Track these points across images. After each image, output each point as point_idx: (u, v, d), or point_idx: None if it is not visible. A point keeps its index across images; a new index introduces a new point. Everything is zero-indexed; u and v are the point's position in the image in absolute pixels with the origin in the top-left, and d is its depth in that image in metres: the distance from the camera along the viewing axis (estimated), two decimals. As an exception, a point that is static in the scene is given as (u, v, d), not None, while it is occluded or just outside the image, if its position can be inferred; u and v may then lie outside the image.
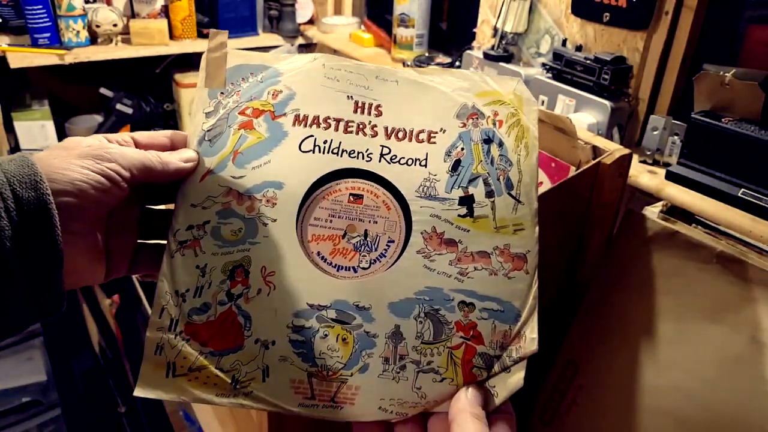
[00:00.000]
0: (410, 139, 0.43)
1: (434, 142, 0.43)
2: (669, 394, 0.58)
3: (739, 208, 0.66)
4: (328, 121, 0.43)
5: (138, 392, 0.38)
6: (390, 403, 0.39)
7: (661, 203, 0.68)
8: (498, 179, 0.42)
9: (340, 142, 0.42)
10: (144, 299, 1.40)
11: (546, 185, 0.66)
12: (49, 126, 1.45)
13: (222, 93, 0.44)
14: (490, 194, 0.42)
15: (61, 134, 1.52)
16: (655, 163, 0.82)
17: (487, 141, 0.43)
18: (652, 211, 0.64)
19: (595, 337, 0.65)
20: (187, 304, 0.39)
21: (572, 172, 0.63)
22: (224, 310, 0.39)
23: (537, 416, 0.69)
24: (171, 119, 1.68)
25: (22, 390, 1.58)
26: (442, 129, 0.43)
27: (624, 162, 0.61)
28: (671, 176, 0.74)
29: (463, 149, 0.43)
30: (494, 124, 0.44)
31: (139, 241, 0.43)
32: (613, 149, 0.61)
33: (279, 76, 0.44)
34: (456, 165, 0.42)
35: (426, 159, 0.42)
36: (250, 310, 0.39)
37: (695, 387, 0.57)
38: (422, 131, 0.43)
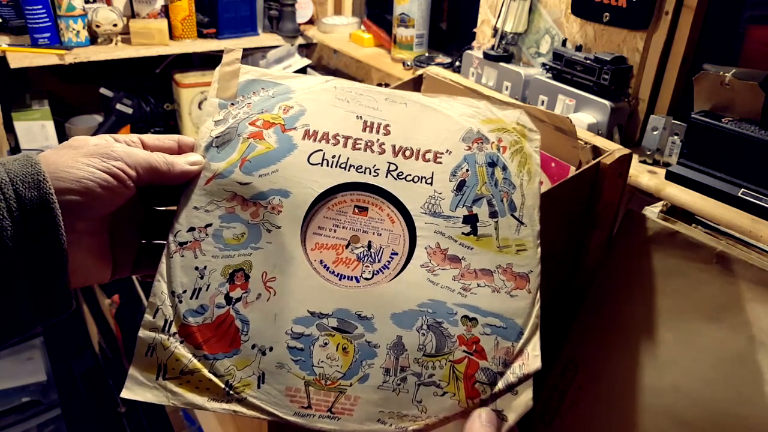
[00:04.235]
0: (417, 158, 0.44)
1: (440, 162, 0.44)
2: (669, 394, 0.58)
3: (739, 208, 0.66)
4: (338, 137, 0.44)
5: (125, 394, 0.37)
6: (389, 415, 0.38)
7: (661, 203, 0.68)
8: (501, 201, 0.43)
9: (348, 158, 0.43)
10: (144, 299, 1.40)
11: (546, 185, 0.66)
12: (49, 126, 1.45)
13: (232, 104, 0.45)
14: (493, 215, 0.43)
15: (61, 134, 1.52)
16: (655, 163, 0.82)
17: (492, 164, 0.44)
18: (652, 211, 0.64)
19: (595, 337, 0.65)
20: (183, 305, 0.39)
21: (572, 172, 0.63)
22: (222, 314, 0.39)
23: (537, 416, 0.69)
24: (171, 119, 1.68)
25: (22, 390, 1.58)
26: (447, 150, 0.44)
27: (624, 162, 0.61)
28: (671, 176, 0.74)
29: (468, 170, 0.44)
30: (498, 149, 0.45)
31: (143, 241, 0.43)
32: (613, 149, 0.61)
33: (291, 93, 0.45)
34: (461, 185, 0.43)
35: (432, 177, 0.43)
36: (249, 314, 0.39)
37: (695, 387, 0.57)
38: (429, 151, 0.44)
